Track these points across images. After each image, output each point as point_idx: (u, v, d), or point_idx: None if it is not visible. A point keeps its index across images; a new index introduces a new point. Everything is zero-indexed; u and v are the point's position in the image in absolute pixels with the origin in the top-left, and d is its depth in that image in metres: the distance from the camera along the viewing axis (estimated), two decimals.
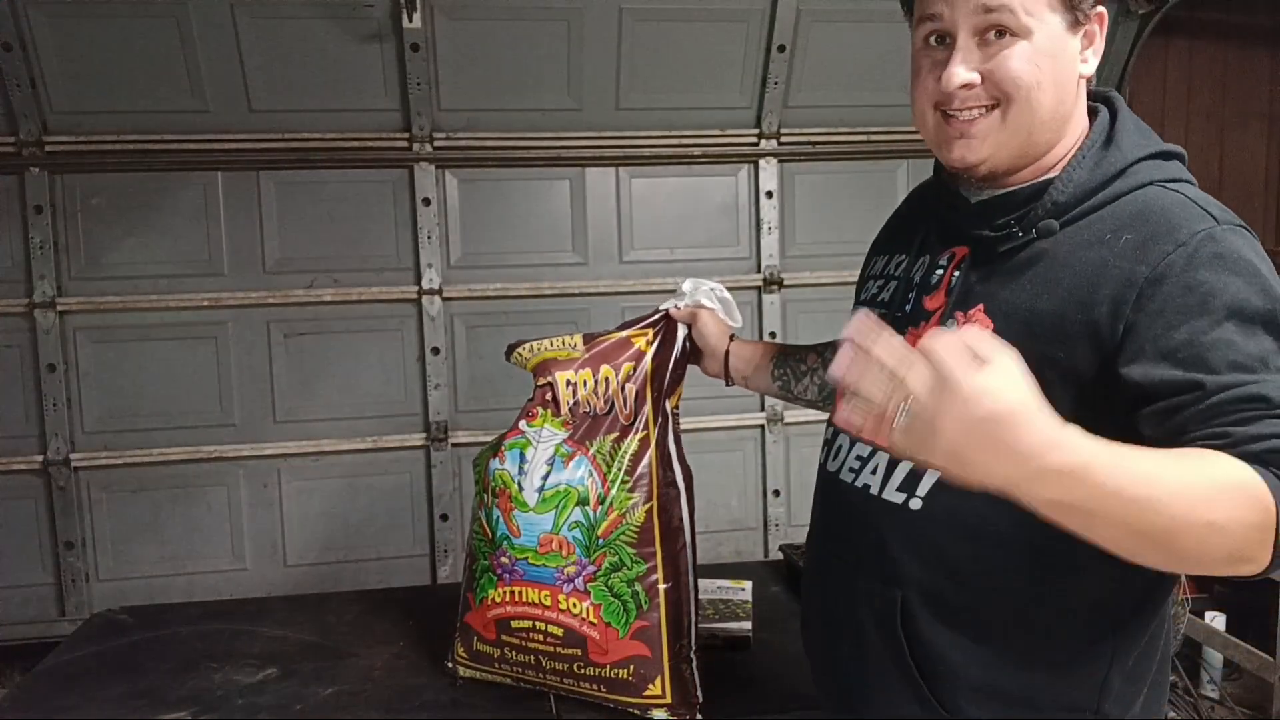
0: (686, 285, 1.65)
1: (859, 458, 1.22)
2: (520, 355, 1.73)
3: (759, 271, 3.24)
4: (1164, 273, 0.98)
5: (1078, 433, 0.84)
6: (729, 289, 1.67)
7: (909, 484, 1.13)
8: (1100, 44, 1.11)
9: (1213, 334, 0.96)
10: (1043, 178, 1.12)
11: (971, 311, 1.11)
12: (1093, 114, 1.16)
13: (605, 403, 1.62)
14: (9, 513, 2.92)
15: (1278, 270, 1.03)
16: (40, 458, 2.90)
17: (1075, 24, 1.08)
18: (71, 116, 2.83)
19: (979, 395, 0.80)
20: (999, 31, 1.07)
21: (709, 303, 1.64)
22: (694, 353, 1.68)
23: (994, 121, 1.09)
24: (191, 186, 2.93)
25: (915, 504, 1.13)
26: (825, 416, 1.35)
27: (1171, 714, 1.28)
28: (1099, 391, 1.01)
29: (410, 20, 2.77)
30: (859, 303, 1.33)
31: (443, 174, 3.05)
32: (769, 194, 3.21)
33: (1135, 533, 0.86)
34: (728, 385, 1.70)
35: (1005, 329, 1.07)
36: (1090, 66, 1.11)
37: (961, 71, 1.08)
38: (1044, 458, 0.81)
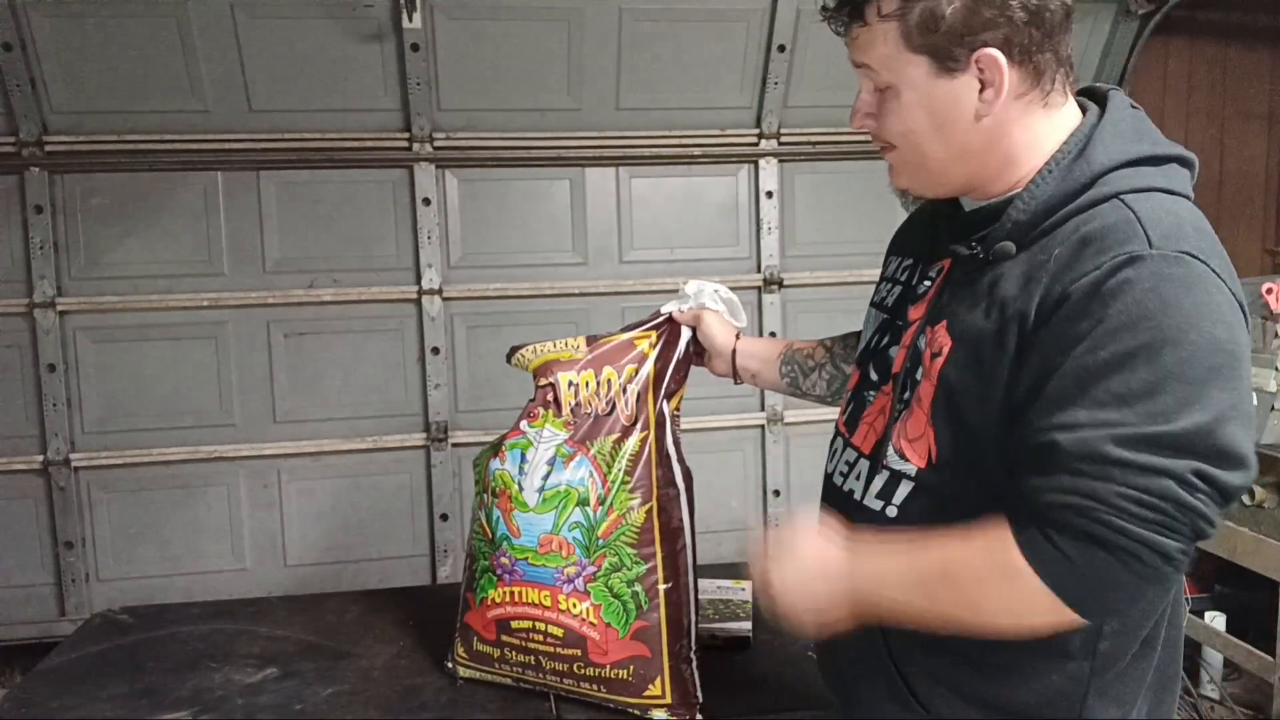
0: (690, 287, 1.64)
1: (847, 463, 1.23)
2: (523, 357, 1.73)
3: (759, 271, 3.24)
4: (1070, 294, 0.97)
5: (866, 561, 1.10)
6: (729, 289, 1.67)
7: (886, 492, 1.15)
8: (1004, 87, 1.04)
9: (1081, 360, 0.95)
10: (1019, 189, 1.09)
11: (937, 328, 1.11)
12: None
13: (607, 404, 1.62)
14: (9, 513, 2.92)
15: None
16: (40, 458, 2.90)
17: (947, 70, 1.04)
18: (71, 116, 2.83)
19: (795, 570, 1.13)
20: (877, 85, 1.10)
21: (713, 305, 1.64)
22: (700, 353, 1.68)
23: (897, 159, 1.14)
24: (191, 186, 2.93)
25: (891, 511, 1.14)
26: (833, 415, 1.35)
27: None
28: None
29: (410, 20, 2.77)
30: (872, 304, 1.33)
31: (443, 174, 3.05)
32: (769, 194, 3.21)
33: (935, 614, 1.05)
34: (736, 384, 1.69)
35: (960, 349, 1.07)
36: (993, 108, 1.05)
37: (858, 116, 1.14)
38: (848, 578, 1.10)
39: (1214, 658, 3.20)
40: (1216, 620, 3.10)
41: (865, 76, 1.12)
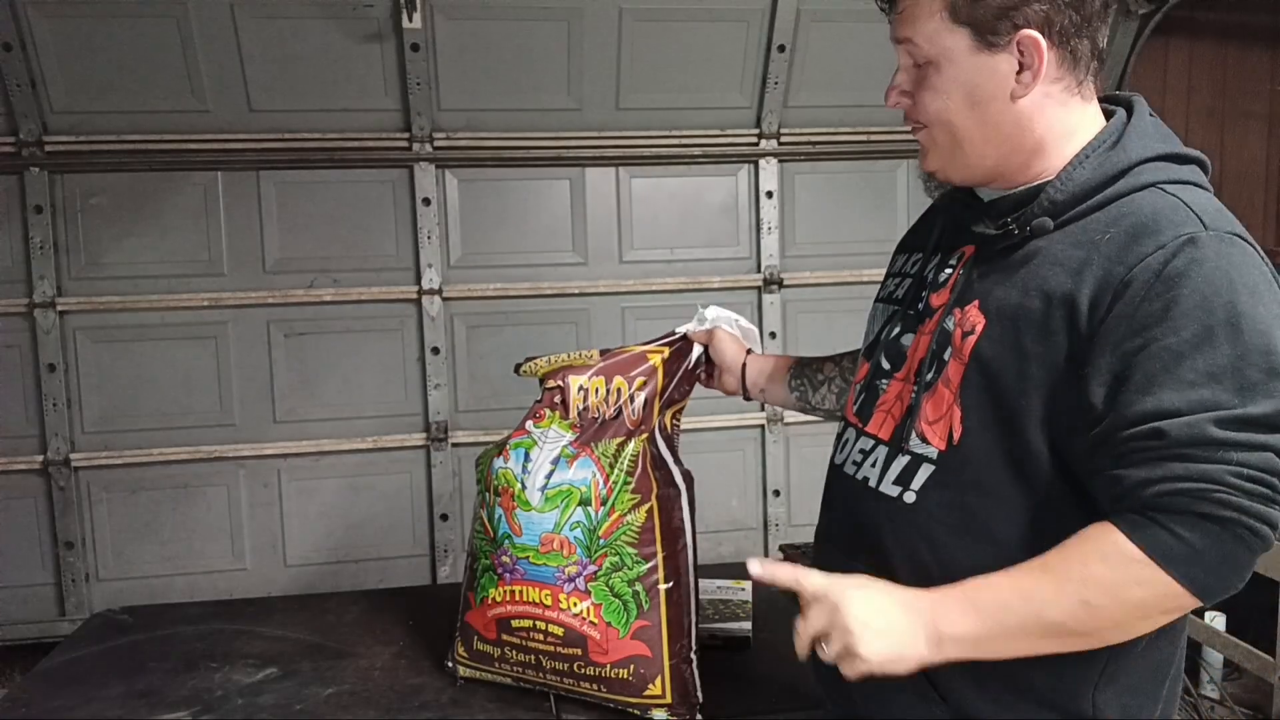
0: (709, 312, 1.68)
1: (862, 451, 1.23)
2: (535, 365, 1.74)
3: (759, 271, 3.23)
4: (1137, 275, 0.99)
5: (954, 591, 1.03)
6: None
7: (904, 477, 1.15)
8: (1043, 69, 1.06)
9: (1163, 342, 0.96)
10: (1046, 178, 1.12)
11: (968, 308, 1.12)
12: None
13: (614, 410, 1.64)
14: (9, 513, 2.92)
15: None
16: (40, 458, 2.91)
17: (987, 45, 1.06)
18: (71, 116, 2.83)
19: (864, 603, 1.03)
20: (917, 60, 1.10)
21: (730, 329, 1.67)
22: (711, 372, 1.71)
23: (929, 139, 1.13)
24: (191, 186, 2.94)
25: (909, 497, 1.14)
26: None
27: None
28: (1073, 390, 1.03)
29: (410, 20, 2.77)
30: (878, 300, 1.34)
31: (443, 174, 3.05)
32: (769, 194, 3.21)
33: (1039, 639, 1.01)
34: (746, 400, 1.71)
35: (996, 326, 1.09)
36: (1030, 90, 1.07)
37: (894, 94, 1.14)
38: (938, 605, 1.02)
39: (1214, 658, 3.20)
40: (1217, 620, 3.09)
41: (905, 53, 1.13)
